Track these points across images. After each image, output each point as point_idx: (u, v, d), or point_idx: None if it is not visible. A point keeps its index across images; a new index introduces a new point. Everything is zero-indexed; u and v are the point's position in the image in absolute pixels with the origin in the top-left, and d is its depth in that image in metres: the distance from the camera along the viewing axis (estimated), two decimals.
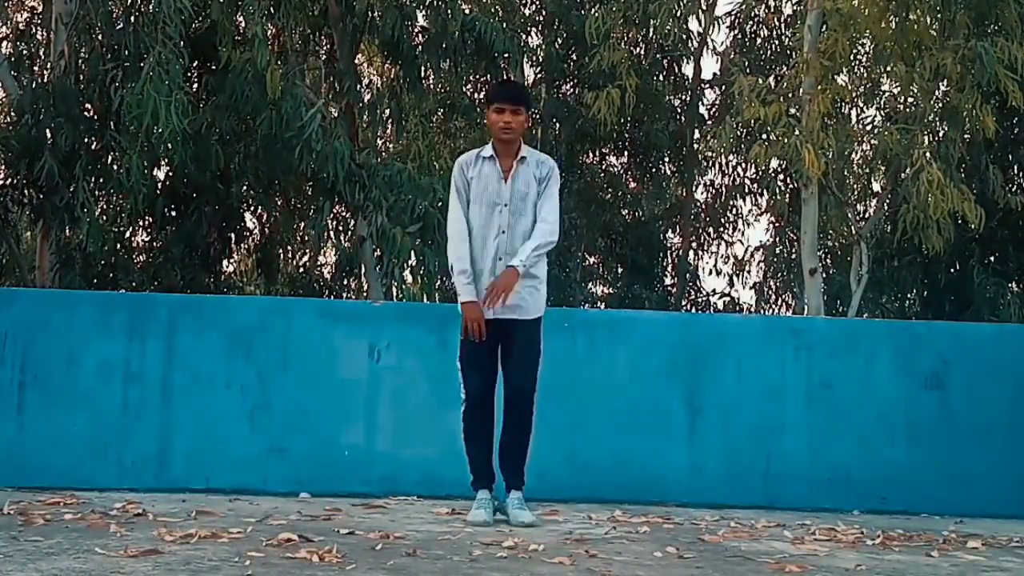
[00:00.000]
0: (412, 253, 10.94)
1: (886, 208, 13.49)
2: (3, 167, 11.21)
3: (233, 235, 12.63)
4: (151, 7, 9.72)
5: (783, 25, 17.03)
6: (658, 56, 16.47)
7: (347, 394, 5.94)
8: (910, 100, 11.64)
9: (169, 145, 9.71)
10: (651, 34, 14.60)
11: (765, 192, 18.67)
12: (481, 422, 4.58)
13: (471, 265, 4.54)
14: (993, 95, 10.47)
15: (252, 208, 13.54)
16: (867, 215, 15.07)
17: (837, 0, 10.78)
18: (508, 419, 4.61)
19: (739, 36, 17.76)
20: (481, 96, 16.82)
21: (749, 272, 20.17)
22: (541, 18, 17.08)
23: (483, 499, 4.60)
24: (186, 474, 5.77)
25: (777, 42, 17.37)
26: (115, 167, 10.28)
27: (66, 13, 10.84)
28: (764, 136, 11.79)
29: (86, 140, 10.56)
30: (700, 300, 20.03)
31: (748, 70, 14.31)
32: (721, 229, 20.46)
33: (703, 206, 20.35)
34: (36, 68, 13.88)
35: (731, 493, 5.86)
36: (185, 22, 9.80)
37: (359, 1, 11.93)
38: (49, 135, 10.40)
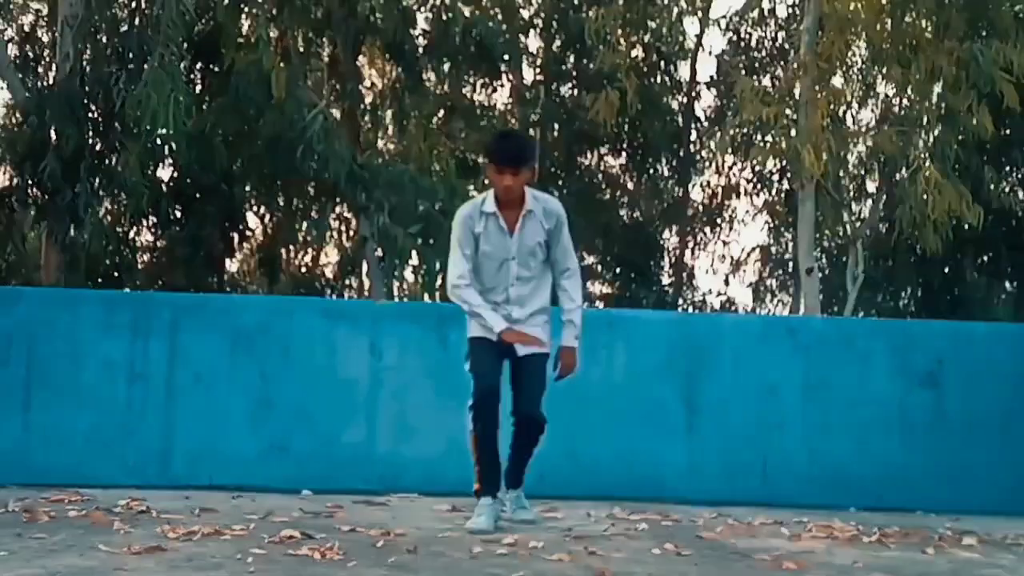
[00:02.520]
0: (413, 253, 10.99)
1: (881, 208, 13.53)
2: (9, 168, 11.26)
3: (236, 235, 12.68)
4: (155, 10, 9.76)
5: (778, 27, 17.07)
6: (655, 58, 16.49)
7: (349, 392, 5.96)
8: (905, 102, 11.68)
9: (172, 145, 9.74)
10: (648, 36, 14.62)
11: (762, 192, 18.72)
12: (489, 424, 4.45)
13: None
14: (986, 96, 10.50)
15: (255, 208, 13.58)
16: (863, 215, 15.11)
17: (834, 3, 10.81)
18: (520, 441, 4.54)
19: (734, 38, 17.79)
20: (481, 97, 16.87)
21: (745, 272, 20.21)
22: (540, 20, 17.10)
23: (485, 505, 4.46)
24: (189, 472, 5.78)
25: (772, 44, 17.40)
26: (119, 168, 10.32)
27: (72, 16, 10.87)
28: (762, 137, 11.84)
29: (90, 141, 10.60)
30: (697, 299, 20.07)
31: (744, 72, 14.36)
32: (718, 229, 20.49)
33: (700, 206, 20.38)
34: (41, 70, 13.91)
35: (729, 490, 5.87)
36: (188, 25, 9.83)
37: (361, 4, 11.97)
38: (54, 136, 10.44)
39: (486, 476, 4.49)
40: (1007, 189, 13.15)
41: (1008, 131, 13.11)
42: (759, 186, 18.83)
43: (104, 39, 10.70)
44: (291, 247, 16.09)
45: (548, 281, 4.63)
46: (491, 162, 4.49)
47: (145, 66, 9.43)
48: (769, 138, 11.23)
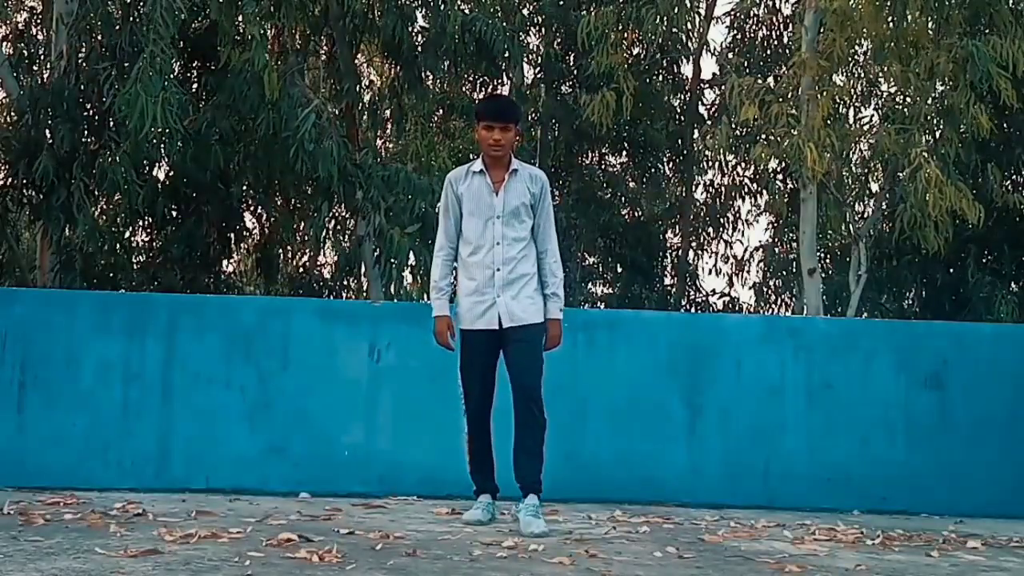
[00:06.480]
0: (411, 253, 10.95)
1: (884, 208, 13.51)
2: (3, 167, 11.22)
3: (233, 235, 12.62)
4: (147, 7, 9.70)
5: (782, 25, 17.05)
6: (657, 56, 16.45)
7: (347, 394, 5.94)
8: (907, 99, 11.65)
9: (166, 143, 9.69)
10: (648, 34, 14.59)
11: (764, 192, 18.69)
12: (480, 436, 4.59)
13: (467, 281, 4.61)
14: (986, 93, 10.47)
15: (252, 208, 13.54)
16: (865, 215, 15.09)
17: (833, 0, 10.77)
18: (520, 420, 4.53)
19: (738, 36, 17.76)
20: (480, 96, 16.81)
21: (748, 272, 20.18)
22: (539, 19, 17.07)
23: (483, 502, 4.64)
24: (186, 474, 5.77)
25: (776, 42, 17.37)
26: (113, 167, 10.27)
27: (66, 14, 10.84)
28: (763, 136, 11.80)
29: (84, 140, 10.56)
30: (699, 300, 20.03)
31: (747, 70, 14.32)
32: (721, 229, 20.46)
33: (703, 206, 20.35)
34: (36, 68, 13.89)
35: (731, 493, 5.86)
36: (183, 23, 9.78)
37: (359, 1, 11.92)
38: (48, 135, 10.40)
39: (481, 476, 4.65)
40: (1010, 187, 13.12)
41: (1010, 128, 13.08)
42: (761, 186, 18.80)
43: (99, 37, 10.67)
44: (288, 247, 16.05)
45: (535, 251, 4.63)
46: (479, 119, 4.63)
47: (138, 64, 9.38)
48: (772, 137, 11.18)
